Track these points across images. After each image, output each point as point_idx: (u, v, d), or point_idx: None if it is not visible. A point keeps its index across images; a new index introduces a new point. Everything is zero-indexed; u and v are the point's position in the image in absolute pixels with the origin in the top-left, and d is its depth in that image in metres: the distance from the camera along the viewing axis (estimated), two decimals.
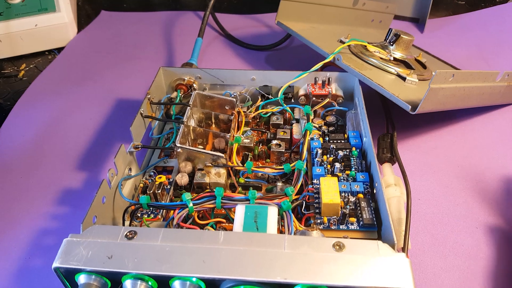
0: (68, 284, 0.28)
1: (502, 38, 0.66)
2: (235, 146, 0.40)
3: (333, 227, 0.32)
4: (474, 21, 0.70)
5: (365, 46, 0.50)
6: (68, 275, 0.27)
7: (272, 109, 0.45)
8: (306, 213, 0.34)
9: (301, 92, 0.46)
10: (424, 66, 0.51)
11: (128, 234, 0.28)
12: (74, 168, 0.46)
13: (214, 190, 0.33)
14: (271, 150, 0.41)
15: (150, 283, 0.27)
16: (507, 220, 0.39)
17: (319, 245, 0.27)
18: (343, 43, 0.50)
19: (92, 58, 0.66)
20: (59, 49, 0.68)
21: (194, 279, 0.26)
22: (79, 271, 0.27)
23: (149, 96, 0.42)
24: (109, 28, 0.74)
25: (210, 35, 0.70)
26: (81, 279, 0.27)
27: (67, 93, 0.58)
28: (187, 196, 0.33)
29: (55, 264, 0.27)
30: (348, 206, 0.33)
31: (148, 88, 0.43)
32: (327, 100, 0.44)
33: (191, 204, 0.33)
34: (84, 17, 0.77)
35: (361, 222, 0.32)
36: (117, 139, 0.36)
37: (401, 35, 0.49)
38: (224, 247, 0.27)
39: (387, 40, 0.50)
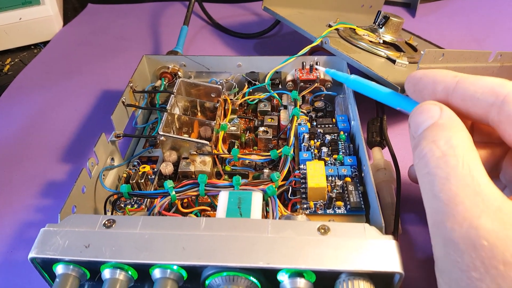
0: (46, 275, 0.27)
1: (494, 20, 0.65)
2: (221, 134, 0.40)
3: (319, 212, 0.31)
4: (465, 4, 0.69)
5: (354, 29, 0.49)
6: (45, 266, 0.26)
7: (260, 95, 0.44)
8: (292, 198, 0.33)
9: (289, 77, 0.45)
10: (415, 49, 0.50)
11: (106, 222, 0.27)
12: (58, 160, 0.45)
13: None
14: (259, 137, 0.40)
15: (129, 272, 0.26)
16: None
17: (303, 229, 0.26)
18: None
19: (78, 50, 0.65)
20: (45, 43, 0.67)
21: (175, 267, 0.25)
22: (56, 261, 0.26)
23: (131, 84, 0.41)
24: (95, 20, 0.73)
25: (198, 25, 0.69)
26: (59, 269, 0.26)
27: (52, 86, 0.57)
28: (169, 183, 0.32)
29: (31, 254, 0.26)
30: (335, 190, 0.33)
31: (131, 77, 0.42)
32: (315, 85, 0.43)
33: (173, 192, 0.32)
34: (70, 11, 0.76)
35: (348, 206, 0.31)
36: (102, 130, 0.35)
37: (390, 17, 0.48)
38: (206, 233, 0.26)
39: (376, 23, 0.49)
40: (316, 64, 0.44)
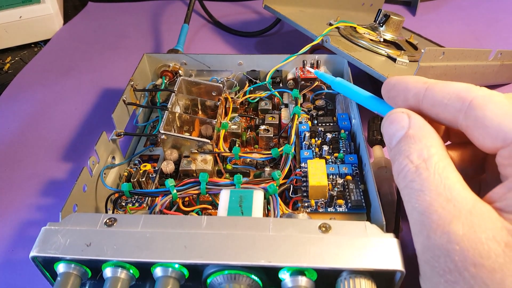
0: (47, 273, 0.27)
1: (494, 18, 0.64)
2: (222, 132, 0.40)
3: (320, 210, 0.31)
4: (466, 3, 0.69)
5: (355, 28, 0.49)
6: (47, 265, 0.26)
7: (260, 94, 0.44)
8: (293, 197, 0.33)
9: (290, 76, 0.45)
10: (415, 48, 0.50)
11: (107, 221, 0.27)
12: (59, 159, 0.45)
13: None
14: (259, 135, 0.40)
15: (131, 271, 0.26)
16: None
17: (304, 227, 0.26)
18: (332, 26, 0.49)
19: (79, 49, 0.65)
20: (45, 41, 0.67)
21: (176, 266, 0.25)
22: (57, 260, 0.26)
23: (132, 82, 0.41)
24: (96, 19, 0.73)
25: (199, 23, 0.69)
26: (60, 268, 0.26)
27: (52, 85, 0.57)
28: (170, 182, 0.32)
29: (32, 253, 0.26)
30: (336, 188, 0.33)
31: (132, 75, 0.42)
32: (316, 83, 0.43)
33: (174, 191, 0.32)
34: (71, 9, 0.76)
35: (349, 204, 0.31)
36: (103, 129, 0.35)
37: (391, 16, 0.48)
38: (207, 231, 0.26)
39: (377, 21, 0.49)
40: (317, 62, 0.44)
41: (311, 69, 0.37)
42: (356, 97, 0.29)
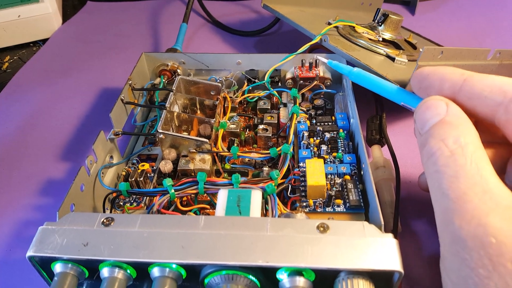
0: (44, 273, 0.27)
1: (493, 18, 0.64)
2: (221, 132, 0.39)
3: (319, 210, 0.31)
4: (465, 2, 0.69)
5: (353, 27, 0.49)
6: (44, 264, 0.26)
7: (259, 93, 0.44)
8: (292, 196, 0.33)
9: (288, 75, 0.45)
10: (414, 47, 0.50)
11: (104, 221, 0.27)
12: (57, 159, 0.45)
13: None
14: (258, 135, 0.40)
15: (128, 270, 0.26)
16: None
17: (302, 227, 0.26)
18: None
19: (77, 48, 0.64)
20: (44, 41, 0.67)
21: (173, 266, 0.25)
22: (54, 259, 0.26)
23: (130, 82, 0.41)
24: (95, 18, 0.73)
25: (197, 23, 0.69)
26: (57, 268, 0.26)
27: (51, 84, 0.56)
28: (168, 182, 0.32)
29: (29, 253, 0.26)
30: (334, 188, 0.32)
31: (130, 75, 0.42)
32: (315, 82, 0.43)
33: (172, 190, 0.32)
34: (69, 8, 0.76)
35: (347, 204, 0.31)
36: (101, 128, 0.35)
37: (390, 15, 0.47)
38: (205, 231, 0.26)
39: (376, 21, 0.49)
40: (316, 61, 0.44)
41: (323, 59, 0.36)
42: (377, 88, 0.28)
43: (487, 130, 0.26)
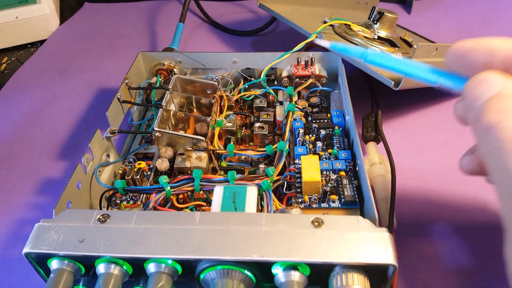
0: (41, 270, 0.27)
1: (489, 16, 0.65)
2: (217, 130, 0.40)
3: (314, 206, 0.31)
4: (461, 1, 0.69)
5: (349, 25, 0.49)
6: (40, 261, 0.26)
7: (255, 92, 0.44)
8: (287, 193, 0.33)
9: (284, 73, 0.45)
10: (409, 45, 0.50)
11: (100, 217, 0.27)
12: (54, 158, 0.45)
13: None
14: (254, 133, 0.40)
15: (124, 267, 0.26)
16: (496, 197, 0.38)
17: (297, 222, 0.26)
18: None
19: (75, 49, 0.65)
20: (42, 42, 0.67)
21: (169, 262, 0.25)
22: (50, 256, 0.26)
23: (126, 81, 0.41)
24: (92, 19, 0.73)
25: (194, 23, 0.69)
26: (53, 264, 0.26)
27: (48, 85, 0.57)
28: (164, 179, 0.32)
29: (26, 249, 0.26)
30: (329, 184, 0.33)
31: (126, 74, 0.42)
32: (310, 80, 0.44)
33: (168, 187, 0.32)
34: (67, 10, 0.76)
35: (342, 200, 0.31)
36: (98, 127, 0.35)
37: (385, 13, 0.48)
38: (200, 227, 0.26)
39: (371, 19, 0.49)
40: (311, 60, 0.44)
41: (325, 43, 0.28)
42: (404, 68, 0.24)
43: None
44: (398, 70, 0.25)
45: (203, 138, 0.37)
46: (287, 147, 0.36)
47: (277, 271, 0.25)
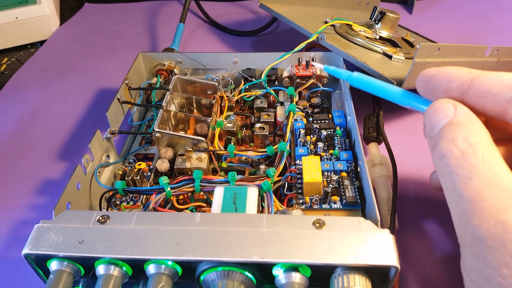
0: (40, 271, 0.27)
1: (491, 15, 0.65)
2: (217, 131, 0.39)
3: (315, 207, 0.31)
4: (462, 0, 0.69)
5: (351, 25, 0.49)
6: (39, 262, 0.26)
7: (256, 92, 0.44)
8: (288, 194, 0.33)
9: (285, 74, 0.45)
10: (411, 45, 0.50)
11: (100, 218, 0.27)
12: (54, 159, 0.45)
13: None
14: (255, 133, 0.40)
15: (124, 268, 0.26)
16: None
17: (298, 223, 0.26)
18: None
19: (75, 49, 0.64)
20: (42, 42, 0.67)
21: (169, 263, 0.25)
22: (50, 257, 0.26)
23: (126, 81, 0.41)
24: (92, 19, 0.73)
25: (195, 23, 0.69)
26: (53, 265, 0.26)
27: (48, 85, 0.56)
28: (164, 180, 0.32)
29: (25, 250, 0.26)
30: (330, 185, 0.32)
31: (127, 74, 0.42)
32: (311, 81, 0.43)
33: (168, 188, 0.32)
34: (68, 10, 0.76)
35: (344, 201, 0.31)
36: (98, 128, 0.35)
37: (387, 13, 0.47)
38: (200, 228, 0.26)
39: (373, 19, 0.49)
40: (313, 60, 0.44)
41: (318, 65, 0.34)
42: (381, 92, 0.28)
43: (498, 128, 0.26)
44: (374, 93, 0.28)
45: (204, 139, 0.36)
46: (288, 147, 0.36)
47: (278, 272, 0.25)
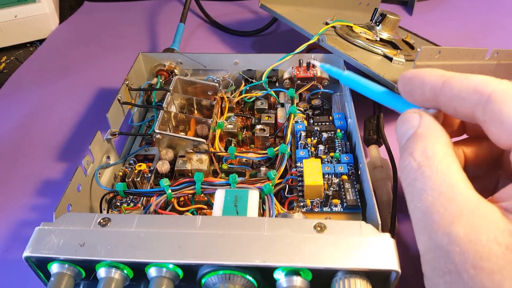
0: (41, 274, 0.27)
1: (491, 18, 0.65)
2: (218, 132, 0.39)
3: (316, 210, 0.31)
4: (463, 2, 0.69)
5: (351, 27, 0.49)
6: (40, 265, 0.26)
7: (256, 93, 0.44)
8: (289, 196, 0.33)
9: (286, 75, 0.45)
10: (412, 47, 0.50)
11: (101, 221, 0.27)
12: (54, 159, 0.45)
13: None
14: (255, 135, 0.40)
15: (125, 271, 0.26)
16: None
17: (299, 227, 0.26)
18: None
19: (74, 48, 0.64)
20: (41, 41, 0.67)
21: (170, 266, 0.25)
22: (51, 260, 0.26)
23: (127, 82, 0.41)
24: (92, 18, 0.73)
25: (195, 23, 0.68)
26: (54, 268, 0.26)
27: (48, 85, 0.56)
28: (165, 182, 0.32)
29: (26, 253, 0.25)
30: (331, 188, 0.32)
31: (127, 75, 0.42)
32: (312, 82, 0.43)
33: (169, 190, 0.32)
34: (67, 9, 0.75)
35: (345, 204, 0.31)
36: (98, 129, 0.35)
37: (387, 15, 0.47)
38: (201, 231, 0.26)
39: (373, 21, 0.49)
40: (313, 59, 0.44)
41: (316, 63, 0.34)
42: (369, 92, 0.28)
43: (474, 128, 0.26)
44: (362, 93, 0.28)
45: (204, 140, 0.36)
46: (288, 150, 0.36)
47: (279, 276, 0.25)
